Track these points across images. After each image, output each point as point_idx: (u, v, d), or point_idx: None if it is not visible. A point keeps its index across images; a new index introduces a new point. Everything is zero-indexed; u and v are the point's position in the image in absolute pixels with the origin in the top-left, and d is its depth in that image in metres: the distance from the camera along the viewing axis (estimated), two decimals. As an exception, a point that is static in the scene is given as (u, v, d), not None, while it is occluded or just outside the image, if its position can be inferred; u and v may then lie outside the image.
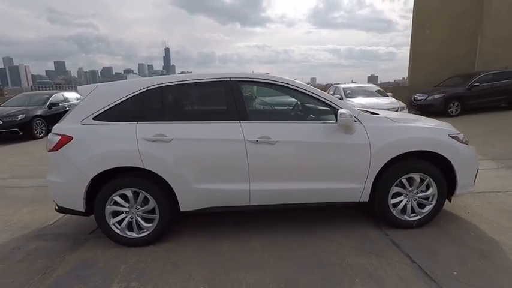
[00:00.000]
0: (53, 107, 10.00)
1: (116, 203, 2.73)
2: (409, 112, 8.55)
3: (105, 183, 2.70)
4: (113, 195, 2.70)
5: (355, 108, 2.94)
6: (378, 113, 3.24)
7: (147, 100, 2.78)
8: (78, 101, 11.55)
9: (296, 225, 3.10)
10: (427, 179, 2.86)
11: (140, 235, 2.79)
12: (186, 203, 2.75)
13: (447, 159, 2.83)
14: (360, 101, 8.91)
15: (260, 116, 3.27)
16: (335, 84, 12.30)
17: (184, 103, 3.09)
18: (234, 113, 2.74)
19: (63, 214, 3.30)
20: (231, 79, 2.81)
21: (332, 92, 10.42)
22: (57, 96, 10.61)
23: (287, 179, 2.76)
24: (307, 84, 3.14)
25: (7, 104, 10.31)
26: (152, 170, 2.65)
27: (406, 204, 2.92)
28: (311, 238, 2.85)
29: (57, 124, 2.84)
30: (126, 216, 2.78)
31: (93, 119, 2.72)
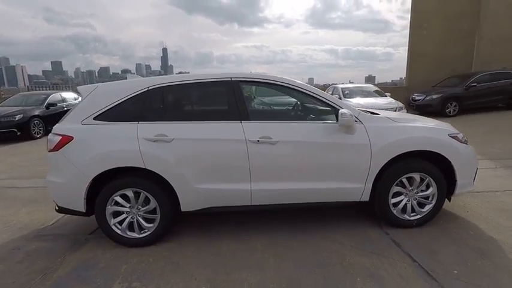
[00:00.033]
0: (51, 107, 9.96)
1: (116, 203, 2.73)
2: (407, 112, 8.59)
3: (106, 184, 2.70)
4: (114, 195, 2.70)
5: (356, 108, 2.95)
6: (378, 113, 3.25)
7: (148, 100, 2.78)
8: (76, 101, 11.48)
9: (296, 225, 3.11)
10: (427, 179, 2.87)
11: (141, 235, 2.79)
12: (187, 203, 2.75)
13: (447, 159, 2.85)
14: (358, 101, 8.95)
15: (261, 116, 3.27)
16: (333, 84, 12.34)
17: (185, 103, 3.09)
18: (235, 113, 2.75)
19: (63, 214, 3.30)
20: (232, 79, 2.81)
21: (331, 92, 10.45)
22: (55, 96, 10.57)
23: (288, 178, 2.76)
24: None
25: (4, 104, 10.26)
26: (153, 170, 2.64)
27: (406, 204, 2.94)
28: (311, 238, 2.86)
29: (57, 124, 2.83)
30: (127, 217, 2.77)
31: (94, 119, 2.71)
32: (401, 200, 2.93)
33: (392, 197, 2.90)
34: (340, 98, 9.15)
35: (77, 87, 3.06)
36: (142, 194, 2.72)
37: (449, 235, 2.82)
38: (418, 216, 2.95)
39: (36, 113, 9.43)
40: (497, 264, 2.37)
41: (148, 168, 2.63)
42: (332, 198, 2.86)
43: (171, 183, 2.68)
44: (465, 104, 10.54)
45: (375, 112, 3.28)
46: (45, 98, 10.15)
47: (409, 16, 13.87)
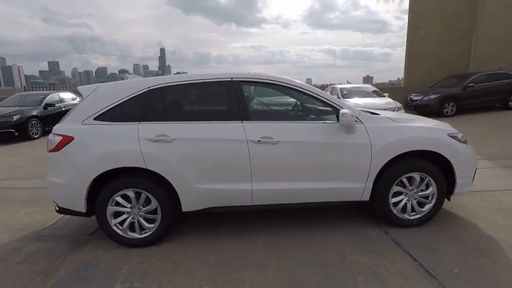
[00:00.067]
0: (49, 108, 9.92)
1: (117, 204, 2.72)
2: (405, 112, 8.62)
3: (106, 184, 2.69)
4: (115, 195, 2.69)
5: (356, 108, 2.96)
6: (378, 113, 3.27)
7: (148, 100, 2.77)
8: (74, 101, 11.41)
9: (297, 225, 3.12)
10: (427, 178, 2.89)
11: (142, 235, 2.79)
12: (188, 203, 2.75)
13: (446, 159, 2.87)
14: (356, 101, 8.98)
15: (262, 116, 3.28)
16: (331, 84, 12.38)
17: (186, 103, 3.09)
18: (236, 113, 2.75)
19: (63, 215, 3.28)
20: (233, 79, 2.82)
21: (329, 93, 10.48)
22: (53, 96, 10.53)
23: (289, 178, 2.77)
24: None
25: (2, 105, 10.20)
26: (154, 170, 2.64)
27: (406, 203, 2.95)
28: (312, 237, 2.87)
29: (58, 124, 2.82)
30: (128, 217, 2.77)
31: (95, 119, 2.71)
32: (402, 200, 2.95)
33: (392, 197, 2.91)
34: (339, 98, 9.18)
35: (78, 87, 3.05)
36: (143, 194, 2.72)
37: (449, 234, 2.83)
38: (418, 216, 2.97)
39: (34, 113, 9.40)
40: (497, 262, 2.39)
41: (150, 169, 2.63)
42: (333, 198, 2.87)
43: (172, 183, 2.68)
44: (463, 104, 10.61)
45: (375, 112, 3.30)
46: (43, 99, 10.11)
47: (406, 17, 13.96)
